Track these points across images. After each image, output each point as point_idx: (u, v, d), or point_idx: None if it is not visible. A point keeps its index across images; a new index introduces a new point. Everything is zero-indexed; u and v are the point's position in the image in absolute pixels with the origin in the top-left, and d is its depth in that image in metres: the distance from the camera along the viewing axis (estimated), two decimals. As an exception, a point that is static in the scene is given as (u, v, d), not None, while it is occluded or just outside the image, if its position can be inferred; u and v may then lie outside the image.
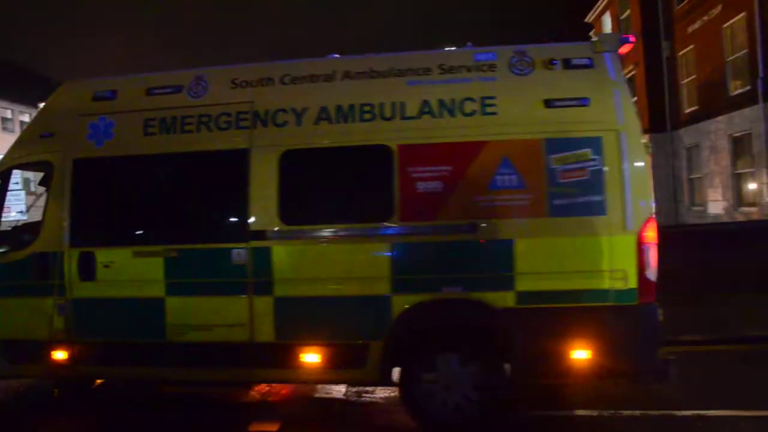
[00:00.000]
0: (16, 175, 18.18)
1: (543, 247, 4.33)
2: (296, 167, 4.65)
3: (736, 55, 16.84)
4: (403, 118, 4.55)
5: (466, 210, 4.38)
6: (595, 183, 4.27)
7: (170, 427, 5.07)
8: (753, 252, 9.15)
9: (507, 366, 4.42)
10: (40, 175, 5.51)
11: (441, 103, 4.52)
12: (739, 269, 8.83)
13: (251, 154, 4.67)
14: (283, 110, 4.71)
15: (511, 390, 4.53)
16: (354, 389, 5.54)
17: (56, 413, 5.50)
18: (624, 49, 4.51)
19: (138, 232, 5.00)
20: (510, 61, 4.55)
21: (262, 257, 4.59)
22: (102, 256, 4.84)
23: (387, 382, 4.58)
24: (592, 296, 4.25)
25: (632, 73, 22.85)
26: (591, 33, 25.31)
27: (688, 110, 20.19)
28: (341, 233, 4.55)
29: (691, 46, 19.42)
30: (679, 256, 8.90)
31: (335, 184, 4.73)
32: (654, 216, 4.32)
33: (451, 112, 4.50)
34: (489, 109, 4.47)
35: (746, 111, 16.28)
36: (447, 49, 4.92)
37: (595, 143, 4.29)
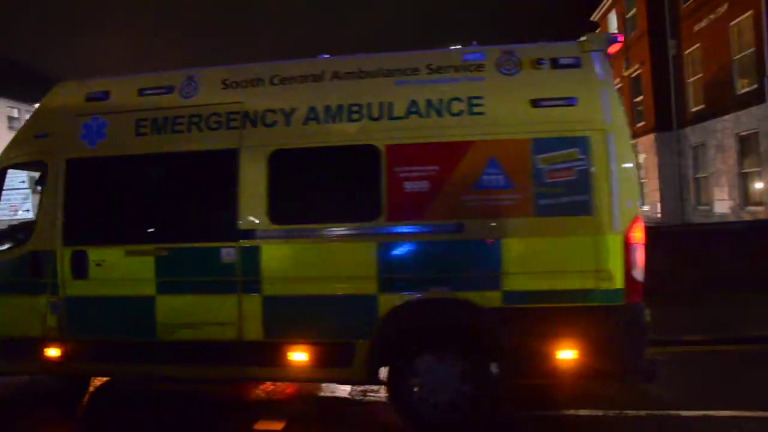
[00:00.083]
0: (23, 175, 18.44)
1: (530, 247, 4.33)
2: (285, 167, 4.67)
3: (743, 54, 16.71)
4: (391, 118, 4.55)
5: (453, 210, 4.39)
6: (582, 183, 4.26)
7: (176, 425, 5.09)
8: (756, 251, 9.09)
9: (494, 366, 4.43)
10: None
11: (429, 103, 4.52)
12: (739, 269, 8.78)
13: (241, 154, 4.70)
14: (273, 110, 4.74)
15: (499, 389, 4.53)
16: (359, 389, 5.54)
17: (58, 411, 5.53)
18: (612, 49, 4.48)
19: (130, 231, 5.04)
20: (497, 61, 4.55)
21: (251, 256, 4.62)
22: (94, 254, 4.89)
23: (374, 381, 4.61)
24: (579, 296, 4.23)
25: (638, 71, 22.74)
26: (597, 31, 25.13)
27: (694, 109, 20.04)
28: (329, 233, 4.57)
29: (698, 45, 19.28)
30: (679, 256, 8.89)
31: (323, 183, 4.74)
32: (641, 216, 4.31)
33: (439, 112, 4.51)
34: (476, 109, 4.46)
35: (753, 110, 16.15)
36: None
37: (582, 143, 4.27)
